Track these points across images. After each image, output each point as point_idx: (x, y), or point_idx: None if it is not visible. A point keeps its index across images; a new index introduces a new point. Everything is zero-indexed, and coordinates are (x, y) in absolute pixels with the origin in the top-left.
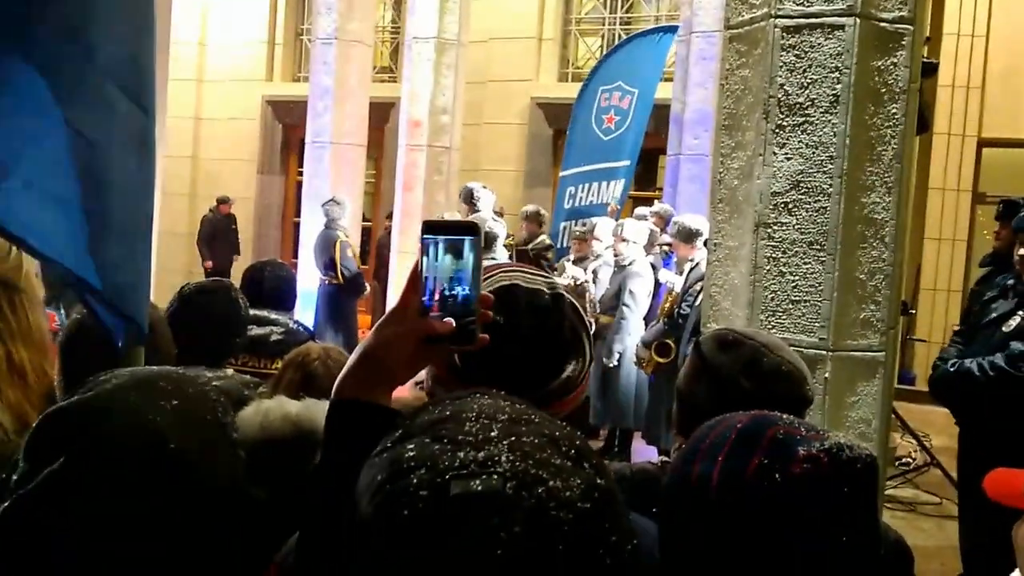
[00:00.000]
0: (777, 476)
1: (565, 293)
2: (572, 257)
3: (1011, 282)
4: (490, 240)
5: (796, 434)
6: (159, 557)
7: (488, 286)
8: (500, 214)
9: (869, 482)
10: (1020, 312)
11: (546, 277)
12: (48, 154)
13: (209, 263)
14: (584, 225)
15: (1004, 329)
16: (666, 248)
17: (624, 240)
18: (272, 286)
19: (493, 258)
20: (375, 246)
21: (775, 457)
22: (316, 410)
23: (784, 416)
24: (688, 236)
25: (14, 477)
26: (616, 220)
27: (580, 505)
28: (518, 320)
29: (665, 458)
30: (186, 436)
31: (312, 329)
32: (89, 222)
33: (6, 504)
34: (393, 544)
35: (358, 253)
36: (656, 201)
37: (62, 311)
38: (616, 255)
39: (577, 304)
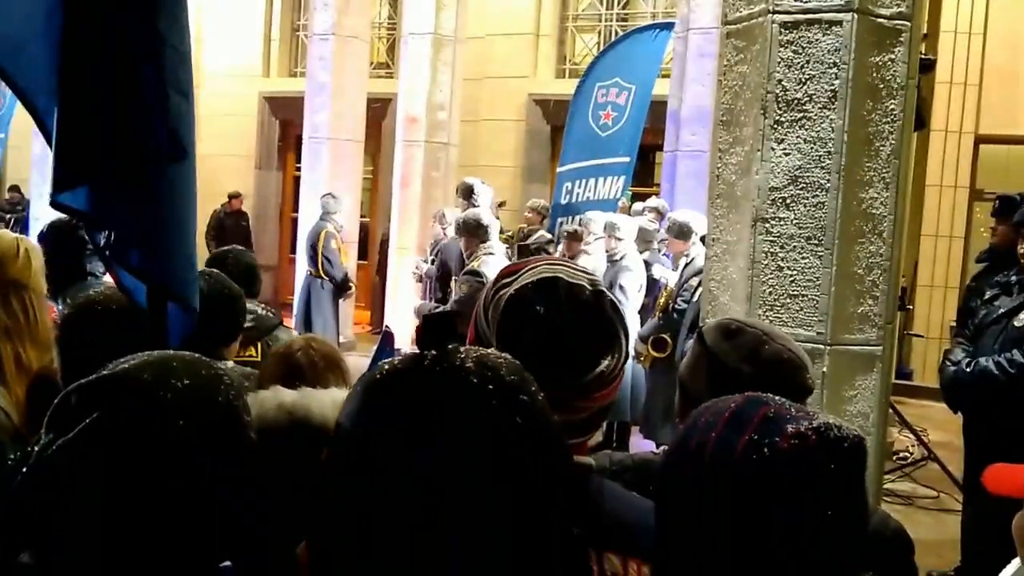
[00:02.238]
0: (766, 451)
1: (606, 290)
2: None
3: (1014, 278)
4: (484, 231)
5: (786, 414)
6: (161, 529)
7: (531, 277)
8: (501, 205)
9: (856, 461)
10: None
11: (588, 273)
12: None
13: None
14: (570, 223)
15: (1016, 324)
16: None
17: (615, 236)
18: (236, 273)
19: (491, 253)
20: (378, 243)
21: (764, 433)
22: (310, 399)
23: (776, 398)
24: (681, 232)
25: (35, 448)
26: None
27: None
28: (558, 312)
29: (666, 448)
30: (193, 415)
31: (278, 314)
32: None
33: (25, 469)
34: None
35: (343, 247)
36: (653, 196)
37: (64, 304)
38: (608, 251)
39: (616, 301)
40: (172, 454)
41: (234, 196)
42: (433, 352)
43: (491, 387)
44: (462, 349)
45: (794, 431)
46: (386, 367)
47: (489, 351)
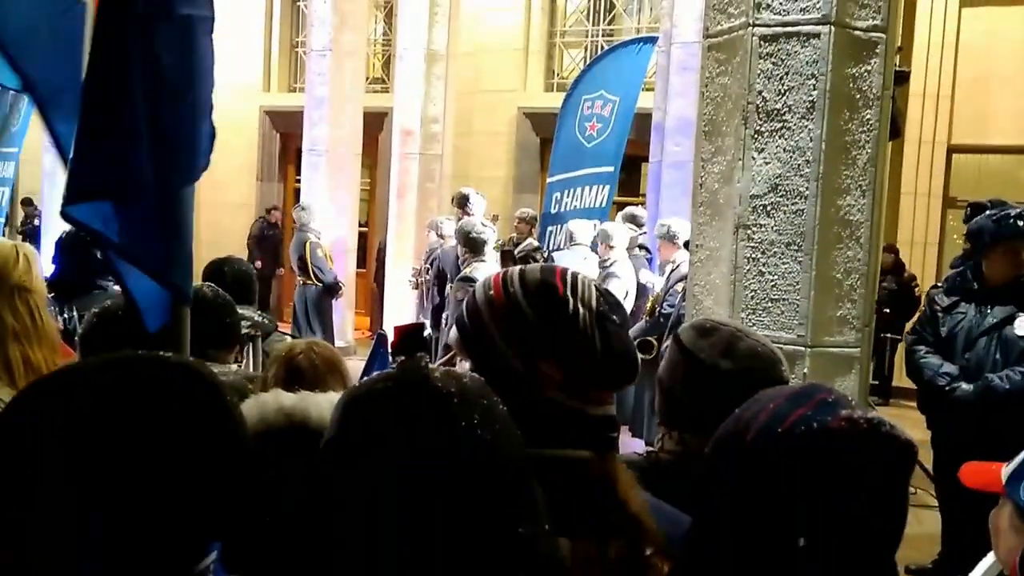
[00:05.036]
0: (815, 425)
1: (608, 292)
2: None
3: (975, 285)
4: (479, 244)
5: (845, 403)
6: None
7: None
8: (495, 219)
9: (902, 463)
10: None
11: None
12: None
13: (259, 263)
14: (559, 232)
15: (1019, 333)
16: (646, 252)
17: (609, 244)
18: (233, 280)
19: (483, 260)
20: (375, 252)
21: (819, 412)
22: (310, 402)
23: (840, 391)
24: (670, 237)
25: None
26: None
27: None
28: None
29: (650, 448)
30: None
31: (275, 321)
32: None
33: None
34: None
35: (328, 253)
36: (627, 208)
37: (70, 312)
38: (601, 258)
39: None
40: (137, 446)
41: (272, 209)
42: (404, 358)
43: (453, 389)
44: (432, 364)
45: (848, 415)
46: (365, 381)
47: (456, 370)
